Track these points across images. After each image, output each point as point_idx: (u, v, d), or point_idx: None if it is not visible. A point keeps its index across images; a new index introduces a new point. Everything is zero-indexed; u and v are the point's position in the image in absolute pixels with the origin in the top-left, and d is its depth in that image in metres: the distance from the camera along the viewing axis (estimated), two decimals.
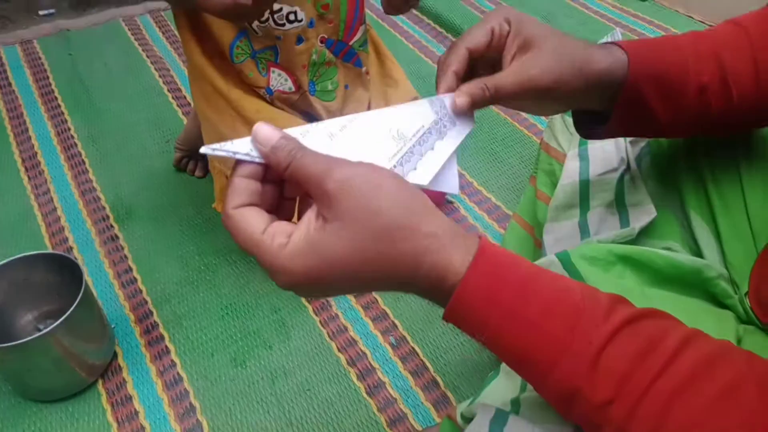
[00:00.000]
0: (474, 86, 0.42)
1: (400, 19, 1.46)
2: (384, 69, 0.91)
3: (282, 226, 0.34)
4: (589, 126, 0.51)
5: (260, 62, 0.75)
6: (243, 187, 0.34)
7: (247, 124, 0.78)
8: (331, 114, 0.83)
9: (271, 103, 0.79)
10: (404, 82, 0.91)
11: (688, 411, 0.31)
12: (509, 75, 0.42)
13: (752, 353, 0.36)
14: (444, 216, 0.34)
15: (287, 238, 0.33)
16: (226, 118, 0.78)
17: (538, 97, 0.44)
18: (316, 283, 0.33)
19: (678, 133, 0.51)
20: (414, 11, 1.48)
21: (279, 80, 0.78)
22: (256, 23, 0.73)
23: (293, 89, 0.79)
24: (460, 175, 1.06)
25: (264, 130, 0.33)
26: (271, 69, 0.77)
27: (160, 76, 1.20)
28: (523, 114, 1.20)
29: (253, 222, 0.34)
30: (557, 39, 0.44)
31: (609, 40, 1.35)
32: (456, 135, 0.41)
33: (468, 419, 0.46)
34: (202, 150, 0.33)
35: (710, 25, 1.47)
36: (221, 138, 0.79)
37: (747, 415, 0.31)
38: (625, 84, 0.45)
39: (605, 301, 0.33)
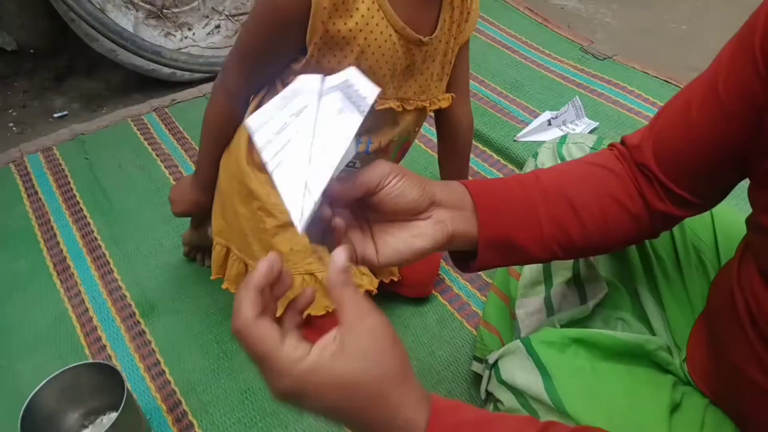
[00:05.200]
0: (351, 251, 0.47)
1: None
2: None
3: (297, 340, 0.40)
4: (466, 261, 0.56)
5: None
6: (255, 298, 0.39)
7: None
8: None
9: None
10: None
11: None
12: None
13: None
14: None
15: (306, 352, 0.38)
16: (258, 217, 0.89)
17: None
18: (319, 397, 0.37)
19: (550, 254, 0.57)
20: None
21: None
22: None
23: None
24: None
25: (341, 254, 0.42)
26: None
27: (170, 174, 1.33)
28: None
29: (274, 334, 0.38)
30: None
31: (570, 108, 1.50)
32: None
33: None
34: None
35: (665, 80, 1.61)
36: (245, 236, 0.91)
37: None
38: (479, 213, 0.51)
39: None
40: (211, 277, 0.96)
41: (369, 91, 0.43)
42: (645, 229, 0.60)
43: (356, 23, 0.74)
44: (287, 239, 0.87)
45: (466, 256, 0.56)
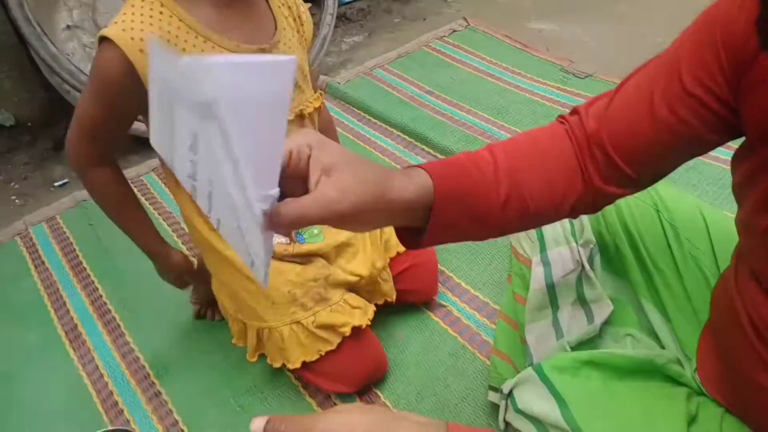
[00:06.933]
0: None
1: (372, 134, 1.64)
2: None
3: None
4: (409, 236, 0.55)
5: None
6: None
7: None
8: (325, 254, 0.97)
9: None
10: None
11: None
12: (312, 203, 0.42)
13: None
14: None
15: None
16: (236, 277, 0.93)
17: (344, 222, 0.45)
18: None
19: (489, 237, 0.58)
20: (382, 124, 1.67)
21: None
22: None
23: (287, 241, 0.94)
24: (448, 278, 1.20)
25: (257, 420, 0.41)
26: None
27: (173, 231, 1.35)
28: None
29: None
30: (357, 165, 0.45)
31: None
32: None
33: None
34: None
35: None
36: (233, 295, 0.93)
37: None
38: (433, 211, 0.50)
39: None
40: (233, 341, 1.00)
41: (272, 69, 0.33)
42: (584, 208, 0.60)
43: None
44: (264, 295, 0.91)
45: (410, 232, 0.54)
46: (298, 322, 0.90)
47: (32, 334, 1.17)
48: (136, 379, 1.07)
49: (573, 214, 0.60)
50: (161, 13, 0.75)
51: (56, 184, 1.62)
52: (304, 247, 0.94)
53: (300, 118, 0.91)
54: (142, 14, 0.74)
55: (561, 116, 0.62)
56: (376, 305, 1.00)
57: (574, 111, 0.61)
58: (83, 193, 1.50)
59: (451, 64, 1.93)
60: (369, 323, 0.95)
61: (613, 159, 0.56)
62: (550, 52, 1.96)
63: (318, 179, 0.44)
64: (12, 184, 1.64)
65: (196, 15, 0.76)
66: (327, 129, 1.05)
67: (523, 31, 2.13)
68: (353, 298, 0.95)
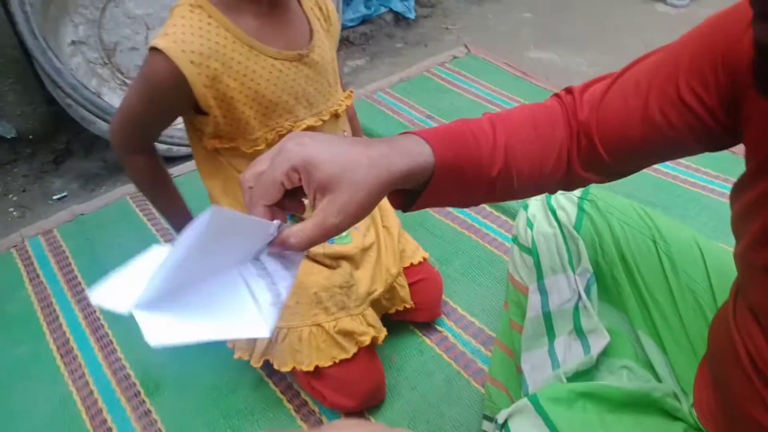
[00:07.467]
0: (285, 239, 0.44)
1: None
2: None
3: None
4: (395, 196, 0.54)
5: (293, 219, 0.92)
6: None
7: None
8: (352, 257, 0.97)
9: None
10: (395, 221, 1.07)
11: None
12: (315, 230, 0.43)
13: None
14: None
15: None
16: None
17: (350, 227, 0.45)
18: None
19: (469, 206, 0.59)
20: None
21: None
22: None
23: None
24: (445, 303, 1.19)
25: None
26: None
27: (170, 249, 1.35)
28: (492, 234, 1.36)
29: None
30: (351, 173, 0.43)
31: None
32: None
33: None
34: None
35: None
36: None
37: None
38: (431, 183, 0.50)
39: None
40: (235, 356, 0.98)
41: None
42: (561, 188, 0.61)
43: (237, 71, 0.79)
44: (292, 293, 0.90)
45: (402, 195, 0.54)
46: (318, 325, 0.91)
47: (23, 346, 1.15)
48: (126, 397, 1.05)
49: (551, 192, 0.63)
50: (209, 24, 0.78)
51: (55, 197, 1.62)
52: (334, 248, 0.95)
53: (335, 117, 0.93)
54: (191, 25, 0.77)
55: (557, 94, 0.62)
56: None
57: (569, 91, 0.61)
58: (81, 207, 1.50)
59: (451, 89, 1.95)
60: (380, 344, 0.96)
61: (597, 148, 0.57)
62: (549, 80, 1.98)
63: (314, 198, 0.44)
64: (10, 195, 1.64)
65: (240, 24, 0.79)
66: (351, 119, 1.06)
67: (523, 60, 2.16)
68: (371, 316, 0.96)
